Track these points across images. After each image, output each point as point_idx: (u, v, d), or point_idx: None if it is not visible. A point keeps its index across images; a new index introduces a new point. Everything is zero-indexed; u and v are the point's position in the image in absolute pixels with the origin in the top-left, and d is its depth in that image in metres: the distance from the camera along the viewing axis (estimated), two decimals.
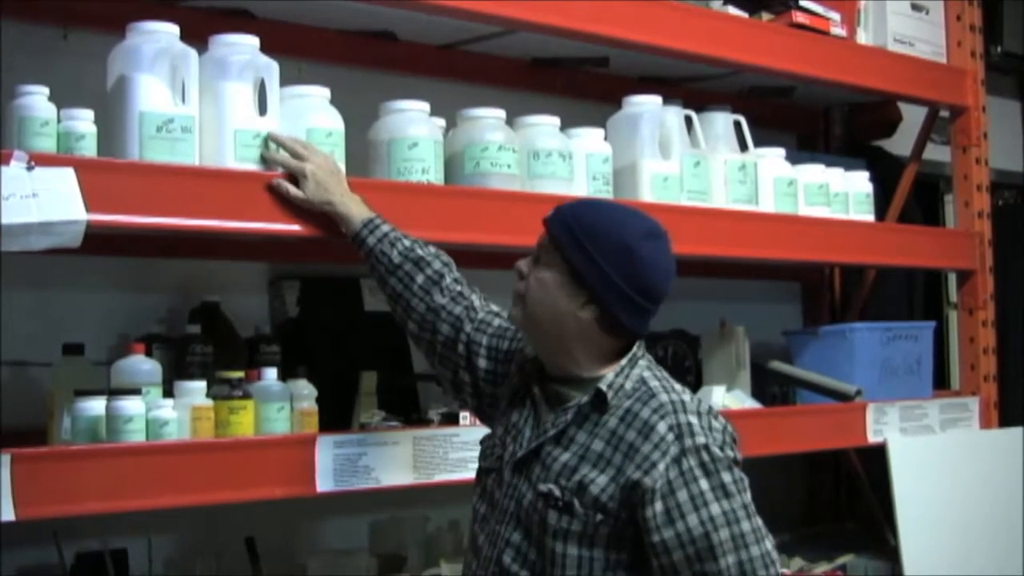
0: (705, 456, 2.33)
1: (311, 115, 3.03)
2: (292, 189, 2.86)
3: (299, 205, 2.87)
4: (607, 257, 2.42)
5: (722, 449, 2.36)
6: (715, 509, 2.30)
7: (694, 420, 2.37)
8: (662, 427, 2.35)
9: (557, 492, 2.38)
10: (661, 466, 2.32)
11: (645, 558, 2.35)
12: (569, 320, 2.46)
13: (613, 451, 2.38)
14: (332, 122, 3.05)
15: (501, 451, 2.54)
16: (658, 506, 2.30)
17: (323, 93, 3.09)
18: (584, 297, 2.45)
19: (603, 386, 2.43)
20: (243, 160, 2.87)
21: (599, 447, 2.39)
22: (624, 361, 2.48)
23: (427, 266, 2.82)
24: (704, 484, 2.31)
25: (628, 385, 2.44)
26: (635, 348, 2.51)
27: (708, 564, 2.28)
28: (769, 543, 2.33)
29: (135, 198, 2.66)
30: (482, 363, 2.74)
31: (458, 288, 2.82)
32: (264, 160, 2.89)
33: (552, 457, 2.43)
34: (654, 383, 2.44)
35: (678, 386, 2.47)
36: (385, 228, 2.86)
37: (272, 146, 2.90)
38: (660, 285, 2.48)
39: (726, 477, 2.33)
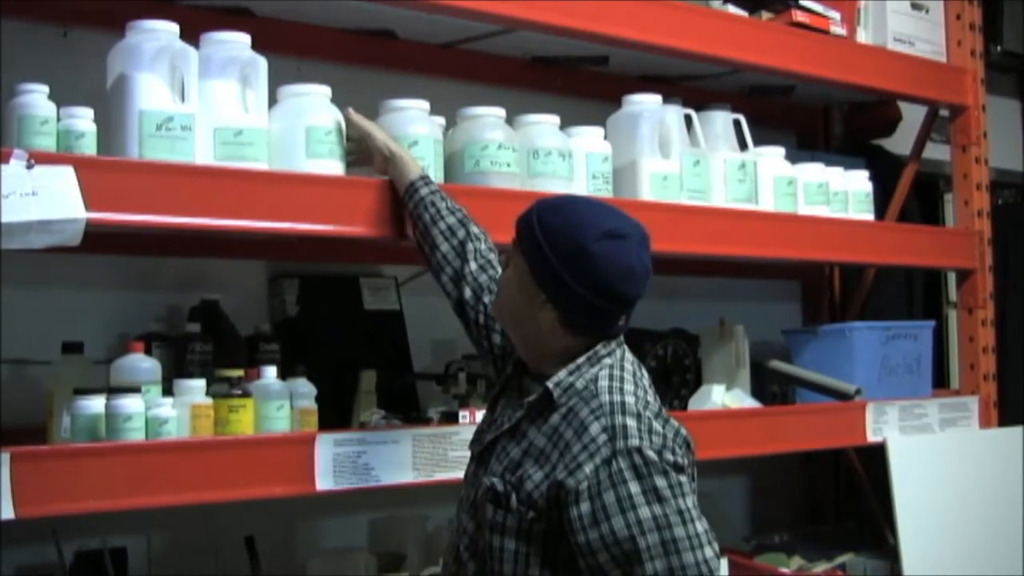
0: (637, 459, 2.29)
1: (310, 114, 3.03)
2: (363, 119, 3.08)
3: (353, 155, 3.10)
4: (561, 259, 2.41)
5: (659, 453, 2.30)
6: (644, 513, 2.26)
7: (631, 423, 2.33)
8: (595, 428, 2.33)
9: (500, 486, 2.40)
10: (588, 468, 2.29)
11: None
12: (531, 319, 2.47)
13: (552, 448, 2.37)
14: (331, 120, 3.05)
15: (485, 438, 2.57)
16: (584, 507, 2.28)
17: (323, 91, 3.10)
18: (543, 297, 2.44)
19: (551, 384, 2.43)
20: (223, 158, 2.87)
21: (541, 443, 2.40)
22: (582, 359, 2.46)
23: (470, 224, 2.92)
24: (634, 487, 2.27)
25: (579, 384, 2.42)
26: (599, 346, 2.48)
27: (635, 567, 2.25)
28: (709, 551, 2.28)
29: (135, 196, 2.66)
30: (496, 339, 2.79)
31: (491, 256, 2.89)
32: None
33: (505, 452, 2.45)
34: (603, 383, 2.42)
35: (630, 387, 2.43)
36: (436, 185, 3.00)
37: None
38: (620, 287, 2.43)
39: (659, 481, 2.28)
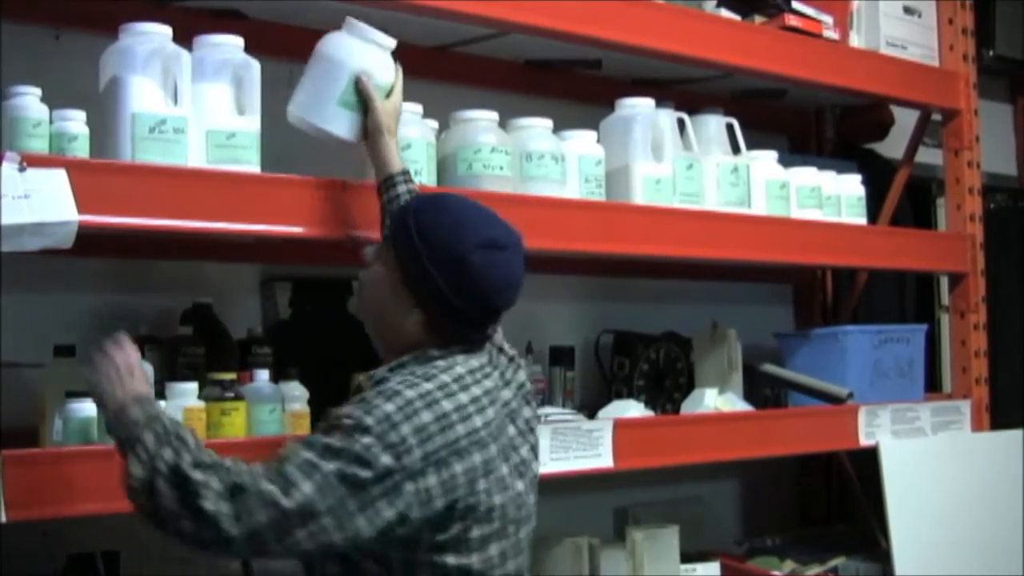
0: (340, 420, 2.28)
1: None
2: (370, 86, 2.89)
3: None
4: (438, 266, 2.38)
5: (367, 432, 2.24)
6: (307, 436, 2.32)
7: (381, 402, 2.28)
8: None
9: None
10: None
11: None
12: (396, 320, 2.44)
13: None
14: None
15: None
16: None
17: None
18: (412, 301, 2.41)
19: (362, 378, 2.42)
20: (216, 161, 2.86)
21: None
22: (407, 357, 2.43)
23: None
24: (319, 434, 2.30)
25: (390, 377, 2.38)
26: (433, 348, 2.43)
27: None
28: (311, 485, 2.21)
29: (127, 199, 2.66)
30: None
31: None
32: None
33: None
34: (408, 376, 2.36)
35: (429, 385, 2.33)
36: (415, 185, 2.88)
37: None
38: (494, 298, 2.43)
39: (336, 438, 2.25)
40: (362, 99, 2.90)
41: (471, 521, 2.36)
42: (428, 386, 2.35)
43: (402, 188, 2.87)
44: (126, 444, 2.30)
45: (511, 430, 2.51)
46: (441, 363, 2.42)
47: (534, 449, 2.59)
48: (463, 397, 2.38)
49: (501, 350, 2.62)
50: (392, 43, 3.01)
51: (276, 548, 2.24)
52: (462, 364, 2.44)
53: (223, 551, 2.28)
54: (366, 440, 2.26)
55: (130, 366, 2.43)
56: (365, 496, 2.25)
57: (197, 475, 2.22)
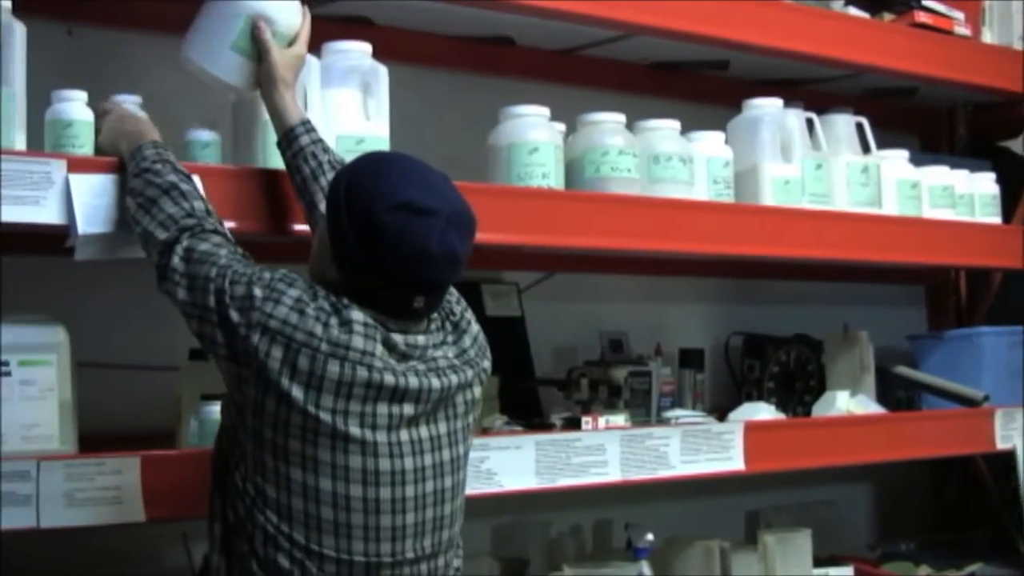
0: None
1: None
2: (268, 34, 2.70)
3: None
4: (353, 224, 2.23)
5: (255, 283, 2.24)
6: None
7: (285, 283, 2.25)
8: None
9: None
10: None
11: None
12: (324, 276, 2.30)
13: None
14: None
15: None
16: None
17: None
18: (331, 255, 2.29)
19: None
20: None
21: None
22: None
23: None
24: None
25: None
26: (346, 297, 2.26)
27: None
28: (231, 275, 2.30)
29: (257, 204, 2.71)
30: None
31: None
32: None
33: None
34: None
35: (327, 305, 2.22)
36: (318, 134, 2.70)
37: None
38: (407, 267, 2.23)
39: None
40: (258, 46, 2.70)
41: (312, 433, 2.22)
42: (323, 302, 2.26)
43: (305, 140, 2.67)
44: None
45: (434, 383, 2.30)
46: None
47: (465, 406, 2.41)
48: (356, 315, 2.24)
49: (449, 316, 2.45)
50: None
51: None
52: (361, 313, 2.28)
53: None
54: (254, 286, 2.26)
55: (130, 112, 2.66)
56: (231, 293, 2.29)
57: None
